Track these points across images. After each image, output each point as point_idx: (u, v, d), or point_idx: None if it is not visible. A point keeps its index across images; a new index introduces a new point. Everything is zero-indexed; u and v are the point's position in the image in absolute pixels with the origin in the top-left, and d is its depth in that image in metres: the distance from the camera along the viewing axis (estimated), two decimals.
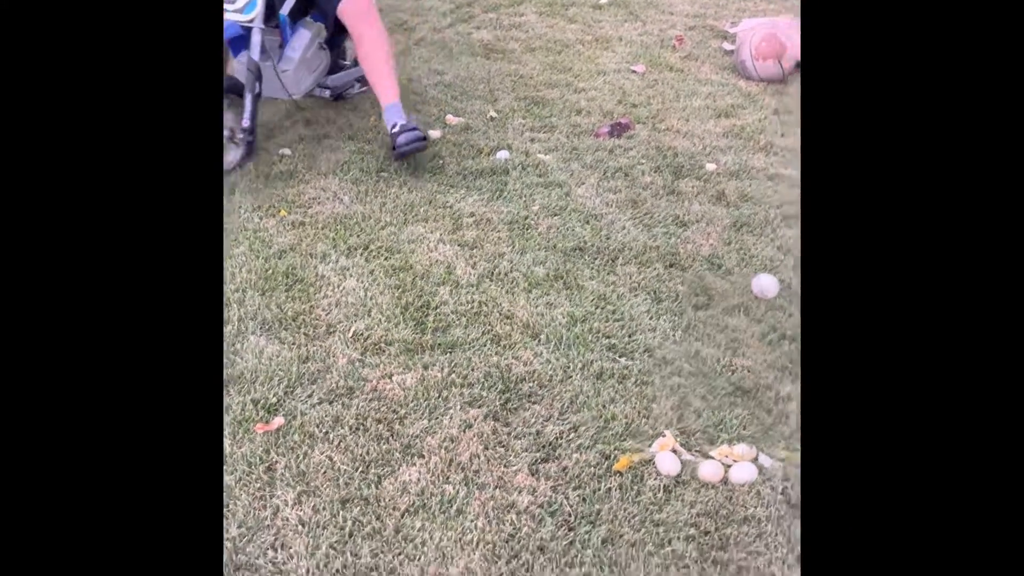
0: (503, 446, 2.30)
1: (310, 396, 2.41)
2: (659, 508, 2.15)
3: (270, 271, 2.94)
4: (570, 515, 2.11)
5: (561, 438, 2.35)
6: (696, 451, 2.36)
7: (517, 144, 3.92)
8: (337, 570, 1.91)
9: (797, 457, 2.35)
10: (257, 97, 3.43)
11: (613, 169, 3.81)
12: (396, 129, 3.48)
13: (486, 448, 2.28)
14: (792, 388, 2.60)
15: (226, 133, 3.37)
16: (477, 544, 1.99)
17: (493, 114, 4.21)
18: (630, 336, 2.79)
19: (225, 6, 3.25)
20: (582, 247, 3.21)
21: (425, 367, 2.55)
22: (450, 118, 4.05)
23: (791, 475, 2.28)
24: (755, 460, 2.32)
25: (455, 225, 3.33)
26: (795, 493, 2.22)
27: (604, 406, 2.48)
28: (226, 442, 2.18)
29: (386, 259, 3.08)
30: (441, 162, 3.70)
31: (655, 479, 2.24)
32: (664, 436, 2.38)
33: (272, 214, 3.31)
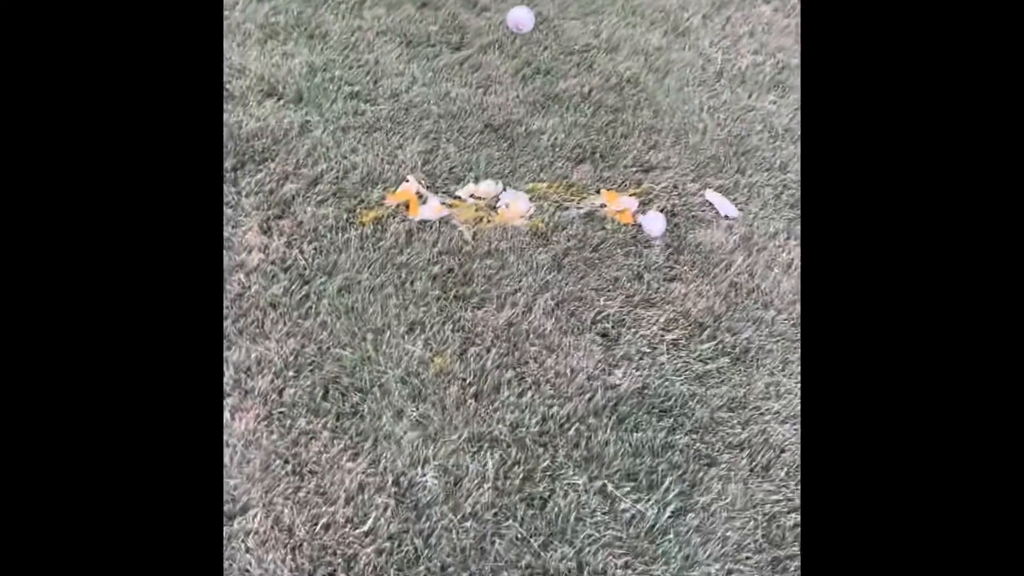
0: (231, 207, 2.11)
1: None
2: (400, 251, 2.07)
3: None
4: (305, 269, 1.98)
5: (298, 194, 2.17)
6: (443, 192, 2.26)
7: None
8: None
9: (544, 187, 2.31)
10: None
11: None
12: None
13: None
14: (543, 121, 2.52)
15: None
16: None
17: None
18: (375, 83, 2.58)
19: None
20: None
21: None
22: None
23: (542, 208, 2.24)
24: (498, 197, 2.26)
25: None
26: (545, 224, 2.19)
27: (345, 157, 2.31)
28: None
29: None
30: None
31: (399, 224, 2.14)
32: (408, 181, 2.26)
33: None
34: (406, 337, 1.87)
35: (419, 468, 1.63)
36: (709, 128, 2.58)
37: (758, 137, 2.57)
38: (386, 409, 1.72)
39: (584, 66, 2.79)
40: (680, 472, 1.69)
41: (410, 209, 2.19)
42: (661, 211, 2.28)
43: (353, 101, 2.50)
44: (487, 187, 2.27)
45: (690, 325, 1.99)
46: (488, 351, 1.87)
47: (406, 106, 2.51)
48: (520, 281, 2.04)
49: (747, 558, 1.58)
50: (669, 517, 1.61)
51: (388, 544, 1.50)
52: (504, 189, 2.28)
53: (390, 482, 1.60)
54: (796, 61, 2.91)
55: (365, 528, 1.52)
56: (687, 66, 2.84)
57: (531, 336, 1.92)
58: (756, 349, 1.95)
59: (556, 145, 2.45)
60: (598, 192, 2.31)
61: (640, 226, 2.23)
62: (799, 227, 2.27)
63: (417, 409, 1.73)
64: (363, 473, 1.61)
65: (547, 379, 1.83)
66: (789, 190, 2.40)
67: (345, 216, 2.13)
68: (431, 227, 2.15)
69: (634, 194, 2.32)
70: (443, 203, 2.22)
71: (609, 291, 2.05)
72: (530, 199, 2.27)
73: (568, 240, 2.16)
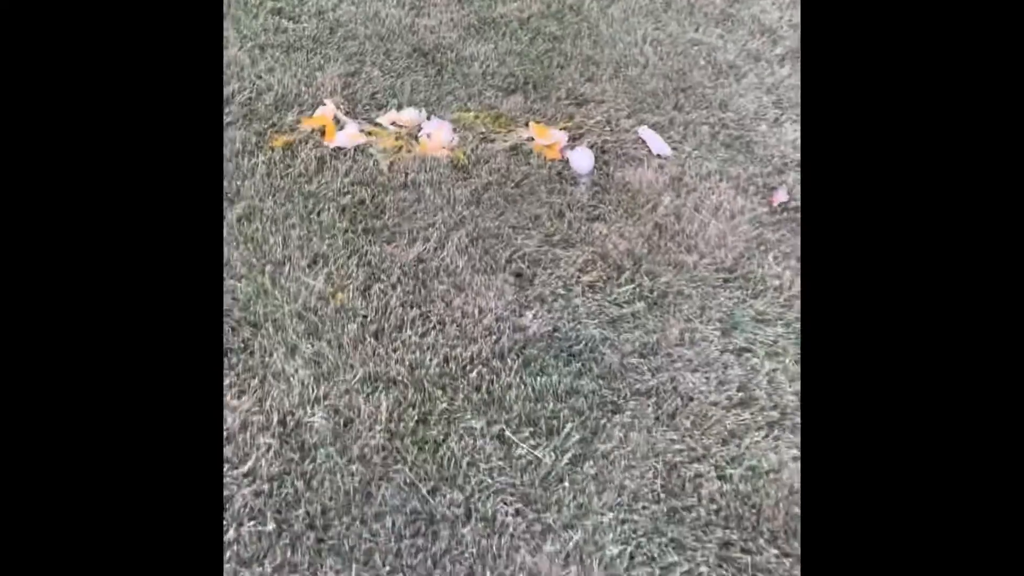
0: None
1: None
2: (309, 180, 1.96)
3: None
4: None
5: None
6: (362, 119, 2.15)
7: None
8: None
9: (470, 118, 2.20)
10: None
11: None
12: None
13: None
14: (476, 48, 2.39)
15: None
16: None
17: None
18: None
19: None
20: None
21: None
22: None
23: (466, 139, 2.13)
24: (420, 126, 2.15)
25: None
26: (467, 156, 2.09)
27: (260, 76, 2.17)
28: None
29: None
30: None
31: (311, 150, 2.03)
32: (325, 105, 2.14)
33: None
34: (307, 270, 1.79)
35: (308, 408, 1.56)
36: (650, 61, 2.47)
37: (700, 73, 2.47)
38: (278, 345, 1.64)
39: None
40: (583, 418, 1.64)
41: (325, 135, 2.08)
42: (591, 147, 2.18)
43: (275, 18, 2.35)
44: (410, 115, 2.16)
45: (608, 267, 1.92)
46: (394, 288, 1.79)
47: (331, 25, 2.37)
48: (435, 216, 1.95)
49: (643, 507, 1.54)
50: (567, 464, 1.57)
51: (267, 486, 1.44)
52: (428, 118, 2.17)
53: (276, 421, 1.54)
54: None
55: (244, 469, 1.46)
56: None
57: (441, 274, 1.84)
58: (674, 294, 1.89)
59: (488, 74, 2.33)
60: (527, 125, 2.20)
61: (567, 162, 2.14)
62: (733, 169, 2.19)
63: (312, 346, 1.65)
64: (247, 411, 1.54)
65: (453, 319, 1.76)
66: (727, 129, 2.31)
67: (254, 140, 2.02)
68: (346, 155, 2.04)
69: (564, 128, 2.22)
70: (362, 130, 2.11)
71: (528, 229, 1.97)
72: (454, 130, 2.16)
73: (490, 174, 2.07)
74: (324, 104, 2.13)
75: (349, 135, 2.07)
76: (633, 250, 1.96)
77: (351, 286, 1.77)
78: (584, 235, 1.98)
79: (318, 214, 1.90)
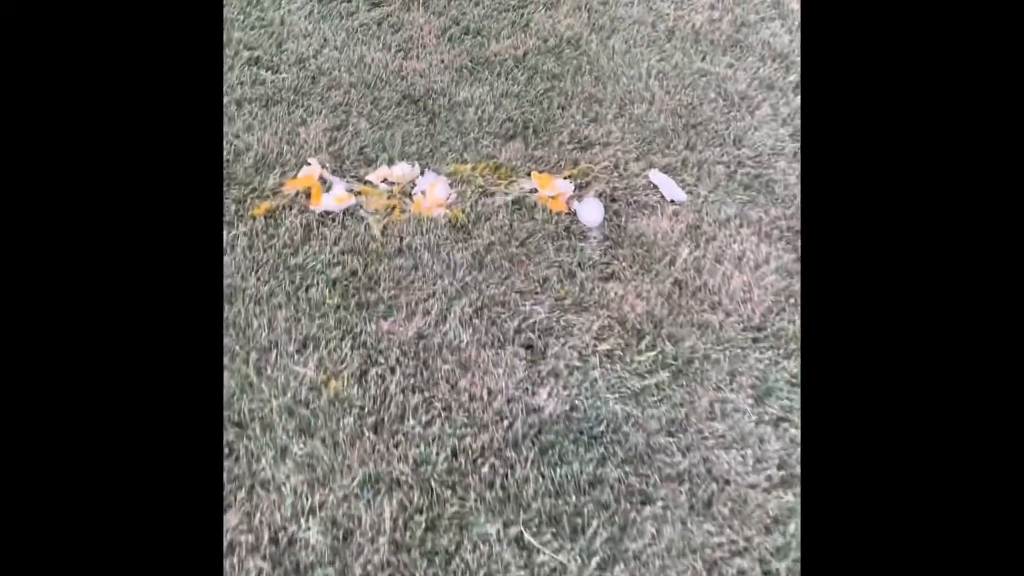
0: None
1: None
2: (295, 251, 1.79)
3: None
4: None
5: None
6: (351, 177, 1.98)
7: None
8: None
9: (467, 170, 2.03)
10: None
11: None
12: None
13: None
14: (470, 91, 2.23)
15: None
16: None
17: None
18: (279, 46, 2.27)
19: None
20: None
21: None
22: None
23: (464, 194, 1.97)
24: (414, 182, 1.98)
25: None
26: (466, 214, 1.93)
27: (237, 136, 2.01)
28: None
29: None
30: None
31: (296, 217, 1.86)
32: (310, 164, 1.98)
33: None
34: (296, 357, 1.62)
35: (302, 520, 1.39)
36: (657, 97, 2.30)
37: (711, 106, 2.30)
38: (267, 448, 1.47)
39: (519, 25, 2.49)
40: (609, 513, 1.47)
41: (311, 198, 1.91)
42: (599, 196, 2.01)
43: (252, 68, 2.19)
44: (402, 170, 1.99)
45: (627, 333, 1.75)
46: (392, 371, 1.62)
47: (313, 74, 2.21)
48: (435, 284, 1.78)
49: None
50: (595, 570, 1.40)
51: None
52: (422, 172, 2.00)
53: (266, 539, 1.36)
54: (754, 17, 2.62)
55: None
56: (635, 24, 2.55)
57: (444, 351, 1.67)
58: (700, 359, 1.72)
59: (484, 119, 2.16)
60: (529, 175, 2.04)
61: (575, 214, 1.97)
62: (754, 212, 2.02)
63: (304, 446, 1.48)
64: (235, 529, 1.36)
65: (460, 404, 1.59)
66: (744, 167, 2.14)
67: (234, 208, 1.85)
68: (334, 220, 1.88)
69: (569, 176, 2.05)
70: (350, 190, 1.94)
71: (536, 294, 1.80)
72: (451, 184, 1.99)
73: (492, 233, 1.90)
74: (308, 163, 1.97)
75: (337, 197, 1.91)
76: (652, 312, 1.79)
77: (345, 372, 1.60)
78: (598, 297, 1.81)
79: (306, 290, 1.73)
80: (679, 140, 2.19)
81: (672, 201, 2.04)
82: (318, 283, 1.74)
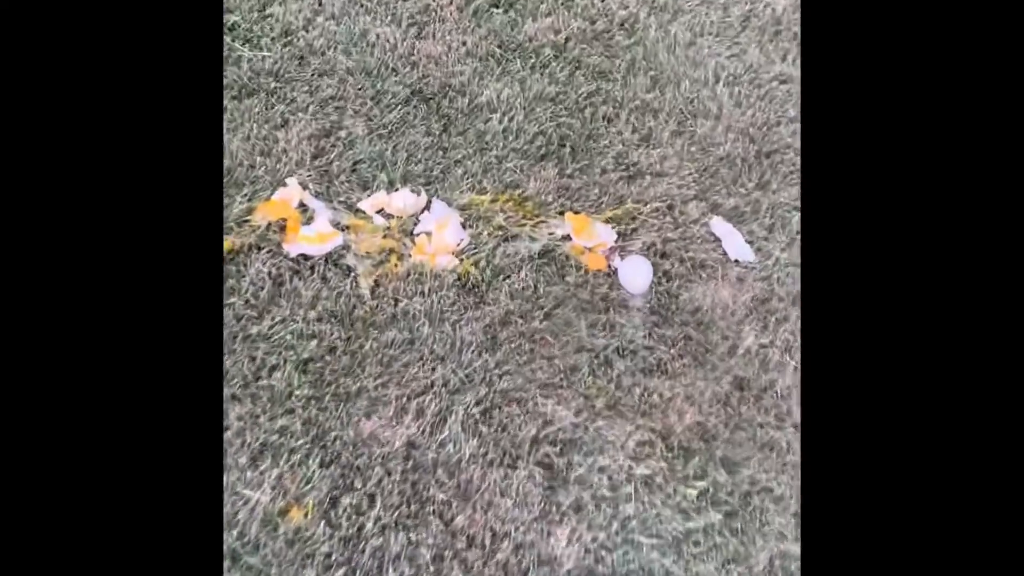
0: None
1: None
2: (259, 317, 1.41)
3: None
4: None
5: None
6: (339, 203, 1.57)
7: None
8: None
9: (485, 203, 1.62)
10: None
11: None
12: None
13: None
14: (496, 90, 1.79)
15: None
16: None
17: None
18: (261, 11, 1.81)
19: None
20: None
21: None
22: None
23: (480, 239, 1.56)
24: (418, 218, 1.57)
25: None
26: (481, 270, 1.53)
27: None
28: None
29: None
30: None
31: (263, 265, 1.46)
32: (287, 185, 1.56)
33: None
34: (248, 474, 1.25)
35: None
36: (725, 109, 1.86)
37: (790, 127, 1.86)
38: None
39: None
40: None
41: (286, 232, 1.51)
42: (647, 249, 1.61)
43: (224, 39, 1.73)
44: (404, 200, 1.58)
45: (671, 453, 1.39)
46: (372, 500, 1.26)
47: (301, 52, 1.75)
48: (434, 371, 1.40)
49: None
50: None
51: None
52: (429, 203, 1.59)
53: None
54: None
55: None
56: (703, 4, 2.07)
57: (439, 470, 1.30)
58: (761, 495, 1.36)
59: (511, 130, 1.73)
60: (562, 214, 1.63)
61: (615, 274, 1.57)
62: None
63: None
64: None
65: (455, 552, 1.24)
66: None
67: None
68: (312, 270, 1.48)
69: (612, 219, 1.64)
70: (336, 223, 1.54)
71: (560, 388, 1.42)
72: (464, 221, 1.58)
73: (511, 299, 1.50)
74: (286, 184, 1.55)
75: (319, 233, 1.50)
76: (704, 423, 1.42)
77: (311, 499, 1.24)
78: (638, 398, 1.43)
79: (269, 373, 1.34)
80: (750, 174, 1.77)
81: (736, 261, 1.64)
82: (285, 364, 1.35)
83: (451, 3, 1.91)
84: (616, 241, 1.62)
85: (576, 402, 1.42)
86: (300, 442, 1.29)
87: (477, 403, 1.38)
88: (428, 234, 1.55)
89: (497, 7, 1.94)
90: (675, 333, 1.52)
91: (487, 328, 1.46)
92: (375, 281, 1.48)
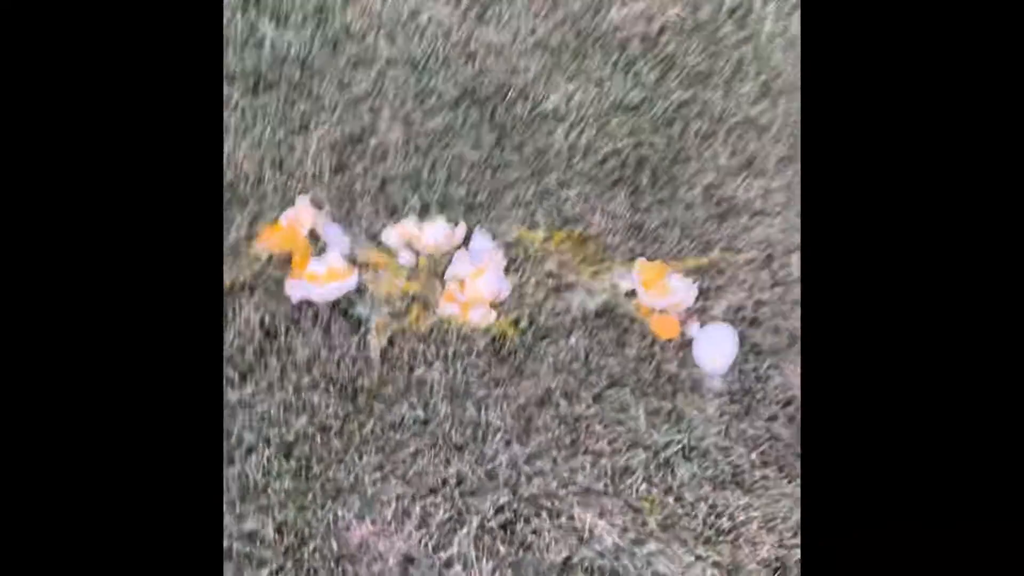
0: None
1: None
2: (243, 379, 1.16)
3: None
4: None
5: None
6: (358, 231, 1.30)
7: None
8: None
9: (537, 241, 1.32)
10: None
11: None
12: None
13: None
14: (566, 93, 1.46)
15: None
16: None
17: None
18: None
19: None
20: None
21: None
22: None
23: (525, 289, 1.27)
24: (452, 256, 1.28)
25: None
26: (523, 331, 1.24)
27: None
28: None
29: None
30: None
31: (257, 309, 1.21)
32: (298, 203, 1.30)
33: None
34: None
35: None
36: None
37: None
38: None
39: None
40: None
41: (293, 267, 1.24)
42: (734, 314, 1.28)
43: (248, 15, 1.46)
44: (437, 233, 1.29)
45: None
46: None
47: (336, 36, 1.46)
48: (449, 464, 1.13)
49: None
50: None
51: None
52: (468, 237, 1.30)
53: None
54: None
55: None
56: None
57: None
58: None
59: (578, 147, 1.41)
60: (632, 260, 1.31)
61: (690, 345, 1.26)
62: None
63: None
64: None
65: None
66: None
67: None
68: (316, 318, 1.21)
69: (693, 270, 1.31)
70: (352, 259, 1.27)
71: (606, 496, 1.13)
72: (508, 263, 1.29)
73: (555, 371, 1.21)
74: (297, 201, 1.28)
75: (331, 270, 1.24)
76: (785, 559, 1.11)
77: None
78: (703, 518, 1.13)
79: (246, 454, 1.10)
80: None
81: None
82: (264, 446, 1.10)
83: None
84: (696, 301, 1.30)
85: (624, 517, 1.12)
86: (269, 553, 1.04)
87: (497, 511, 1.11)
88: (461, 281, 1.26)
89: None
90: (758, 431, 1.20)
91: (520, 410, 1.18)
92: (389, 339, 1.21)
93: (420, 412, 1.17)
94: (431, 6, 1.53)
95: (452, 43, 1.49)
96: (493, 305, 1.26)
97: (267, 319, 1.20)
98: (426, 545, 1.08)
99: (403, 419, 1.16)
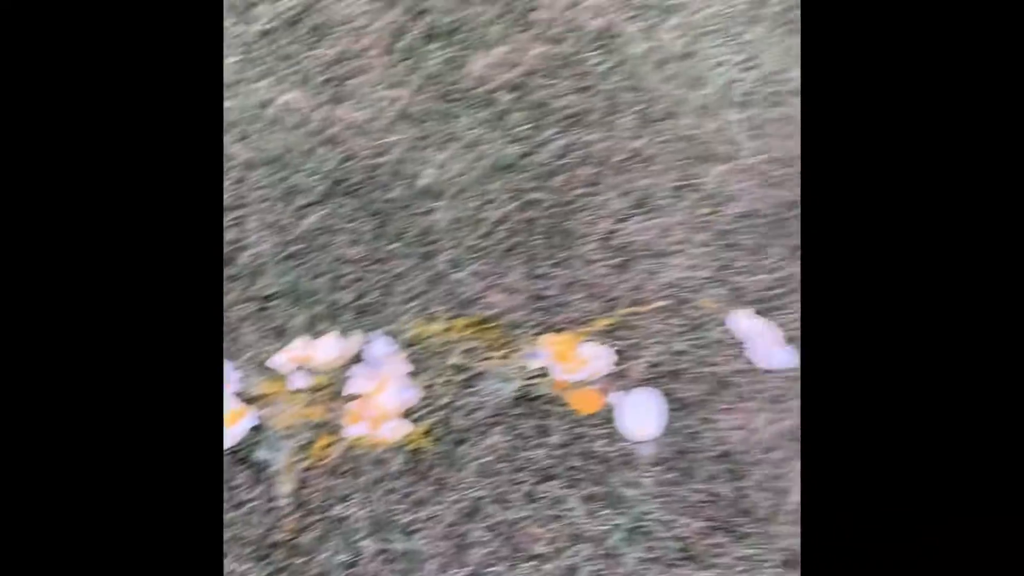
0: None
1: None
2: None
3: None
4: None
5: None
6: (246, 363, 1.20)
7: None
8: None
9: (437, 333, 1.24)
10: None
11: None
12: None
13: None
14: (439, 163, 1.38)
15: None
16: None
17: None
18: None
19: None
20: None
21: None
22: None
23: (434, 391, 1.20)
24: (350, 366, 1.21)
25: None
26: (437, 439, 1.17)
27: None
28: None
29: None
30: None
31: None
32: None
33: None
34: None
35: None
36: (743, 145, 1.45)
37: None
38: None
39: (518, 18, 1.57)
40: None
41: None
42: (654, 374, 1.23)
43: None
44: (329, 347, 1.21)
45: None
46: None
47: None
48: None
49: None
50: None
51: None
52: (367, 342, 1.22)
53: None
54: None
55: None
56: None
57: None
58: None
59: (462, 221, 1.33)
60: (539, 335, 1.25)
61: (615, 414, 1.21)
62: None
63: None
64: None
65: None
66: None
67: None
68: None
69: (604, 331, 1.26)
70: (245, 397, 1.17)
71: None
72: (412, 365, 1.21)
73: (481, 475, 1.14)
74: None
75: (227, 414, 1.14)
76: None
77: None
78: None
79: None
80: (779, 240, 1.36)
81: (768, 371, 1.26)
82: None
83: (374, 46, 1.48)
84: (615, 364, 1.24)
85: None
86: None
87: None
88: (363, 397, 1.18)
89: (433, 39, 1.51)
90: (700, 496, 1.16)
91: (450, 528, 1.11)
92: (301, 480, 1.12)
93: (343, 556, 1.09)
94: (281, 91, 1.43)
95: (309, 130, 1.40)
96: (406, 414, 1.19)
97: None
98: None
99: (328, 568, 1.08)
